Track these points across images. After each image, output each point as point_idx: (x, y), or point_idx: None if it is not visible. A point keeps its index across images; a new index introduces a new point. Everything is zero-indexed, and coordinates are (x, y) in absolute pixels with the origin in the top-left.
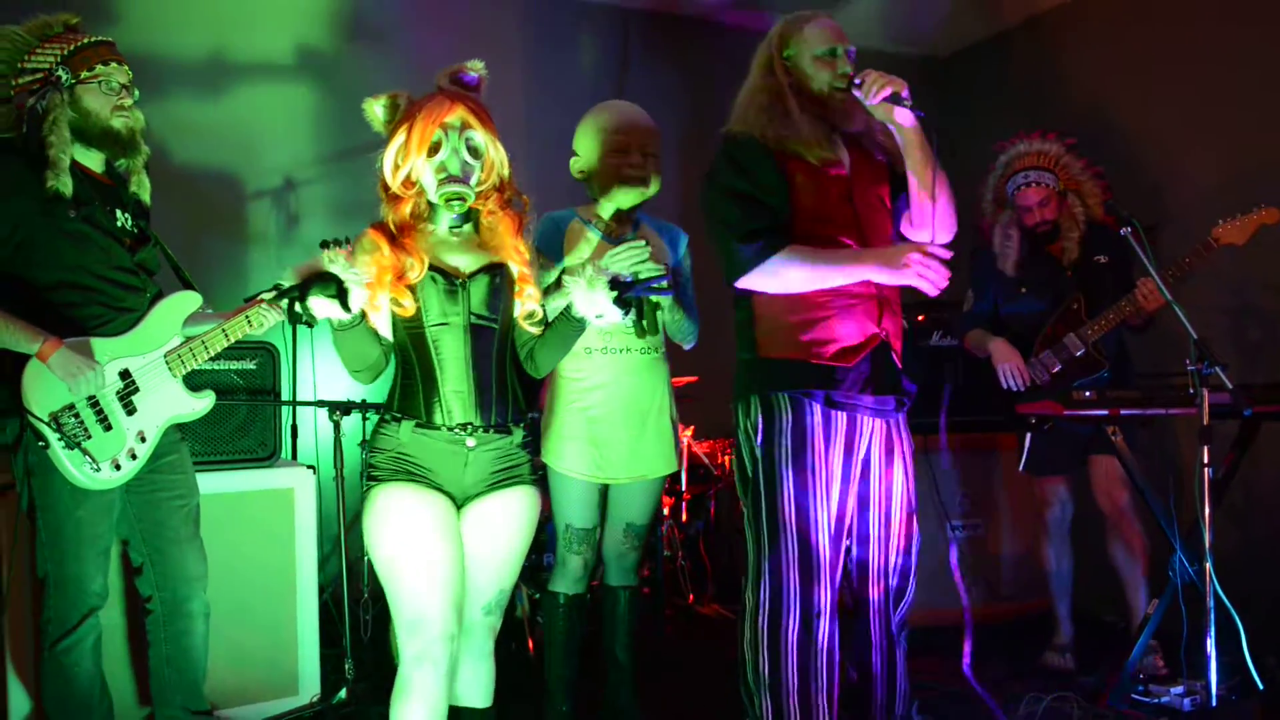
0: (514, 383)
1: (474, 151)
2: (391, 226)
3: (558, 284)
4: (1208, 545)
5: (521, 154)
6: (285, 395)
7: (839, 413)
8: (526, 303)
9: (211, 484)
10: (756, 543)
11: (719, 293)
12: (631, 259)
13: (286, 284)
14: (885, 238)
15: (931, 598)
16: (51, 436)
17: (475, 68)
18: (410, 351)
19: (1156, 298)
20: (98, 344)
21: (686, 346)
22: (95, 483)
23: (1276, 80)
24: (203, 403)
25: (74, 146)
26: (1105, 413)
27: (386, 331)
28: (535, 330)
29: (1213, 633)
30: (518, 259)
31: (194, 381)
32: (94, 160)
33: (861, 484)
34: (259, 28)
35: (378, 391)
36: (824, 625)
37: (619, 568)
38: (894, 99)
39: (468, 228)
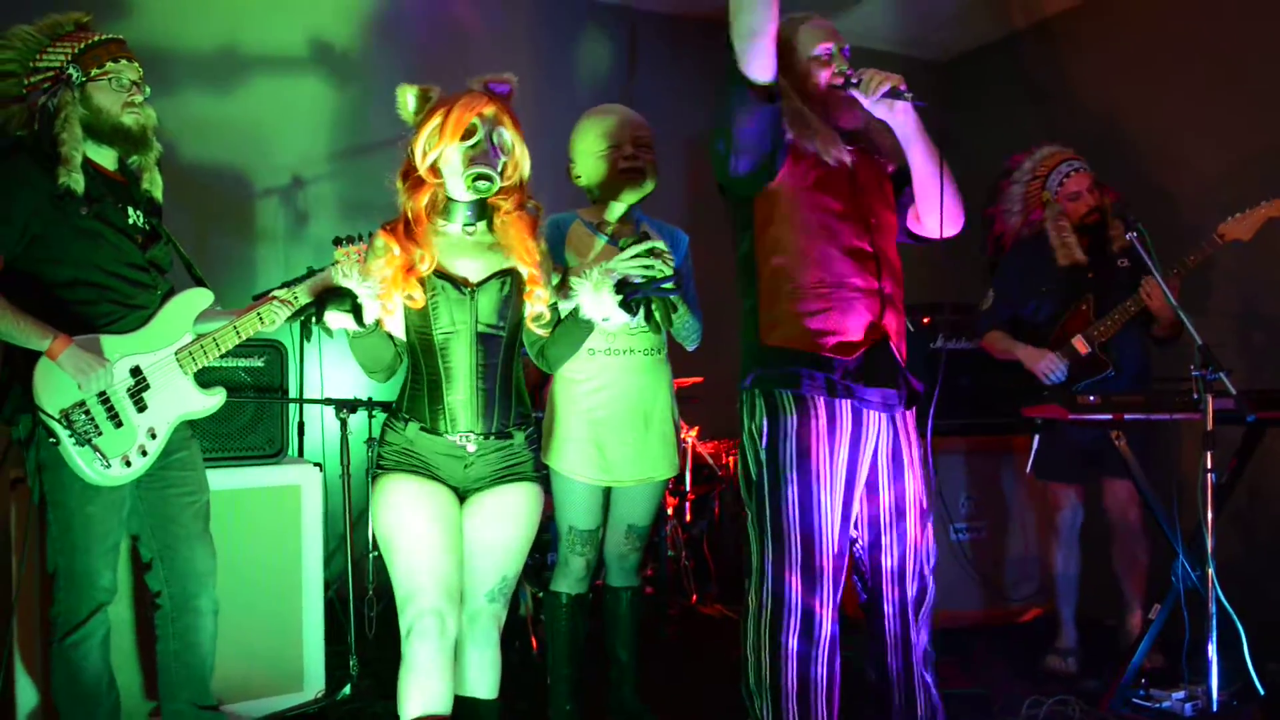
0: (519, 388)
1: (503, 147)
2: (408, 214)
3: (564, 286)
4: (1210, 550)
5: (529, 152)
6: (293, 393)
7: (843, 404)
8: (535, 305)
9: (218, 480)
10: (759, 546)
11: (720, 294)
12: (638, 261)
13: (301, 296)
14: (892, 234)
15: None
16: (62, 433)
17: (508, 79)
18: (419, 357)
19: (1158, 294)
20: (108, 341)
21: (690, 347)
22: (106, 479)
23: None
24: (214, 400)
25: (86, 143)
26: (1109, 417)
27: (400, 332)
28: (543, 332)
29: (1214, 638)
30: (529, 260)
31: (203, 378)
32: (106, 157)
33: (870, 482)
34: (270, 25)
35: (384, 389)
36: (825, 630)
37: (620, 569)
38: (894, 93)
39: (481, 226)
